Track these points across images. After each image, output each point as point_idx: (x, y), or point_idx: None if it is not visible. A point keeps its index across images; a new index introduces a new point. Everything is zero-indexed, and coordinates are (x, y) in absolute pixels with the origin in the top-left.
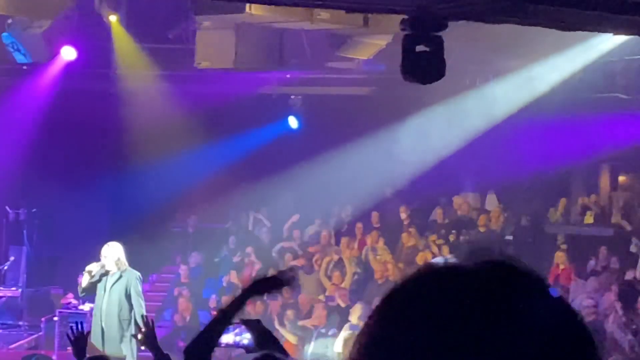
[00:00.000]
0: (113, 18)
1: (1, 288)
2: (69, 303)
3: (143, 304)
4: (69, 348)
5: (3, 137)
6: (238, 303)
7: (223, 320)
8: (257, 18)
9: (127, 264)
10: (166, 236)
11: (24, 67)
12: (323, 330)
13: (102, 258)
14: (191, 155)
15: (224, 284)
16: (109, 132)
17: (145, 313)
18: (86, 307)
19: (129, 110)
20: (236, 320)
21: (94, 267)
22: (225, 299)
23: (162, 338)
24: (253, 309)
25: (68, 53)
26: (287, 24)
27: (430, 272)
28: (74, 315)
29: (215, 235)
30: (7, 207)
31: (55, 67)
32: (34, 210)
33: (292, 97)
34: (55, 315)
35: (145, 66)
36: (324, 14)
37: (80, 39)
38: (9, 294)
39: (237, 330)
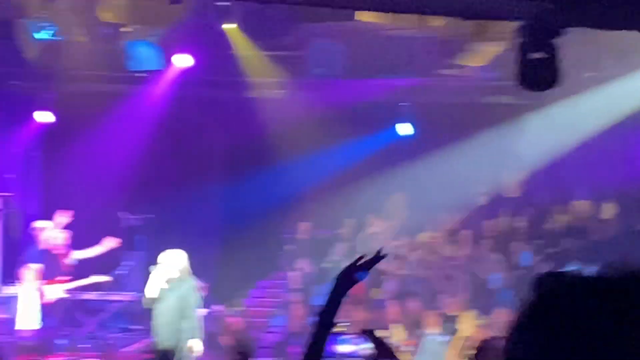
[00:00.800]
0: (230, 26)
1: (117, 293)
2: None
3: (195, 315)
4: None
5: (119, 144)
6: (334, 300)
7: (324, 322)
8: (367, 25)
9: (190, 272)
10: (278, 242)
11: (140, 75)
12: (435, 338)
13: (163, 265)
14: (303, 162)
15: None
16: (222, 140)
17: (197, 325)
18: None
19: (242, 118)
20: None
21: (157, 276)
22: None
23: (274, 344)
24: (368, 316)
25: (182, 60)
26: (397, 31)
27: (564, 283)
28: None
29: (326, 242)
30: (122, 213)
31: (170, 75)
32: (149, 216)
33: (403, 104)
34: None
35: (270, 73)
36: (435, 21)
37: (195, 47)
38: (126, 299)
39: (355, 340)
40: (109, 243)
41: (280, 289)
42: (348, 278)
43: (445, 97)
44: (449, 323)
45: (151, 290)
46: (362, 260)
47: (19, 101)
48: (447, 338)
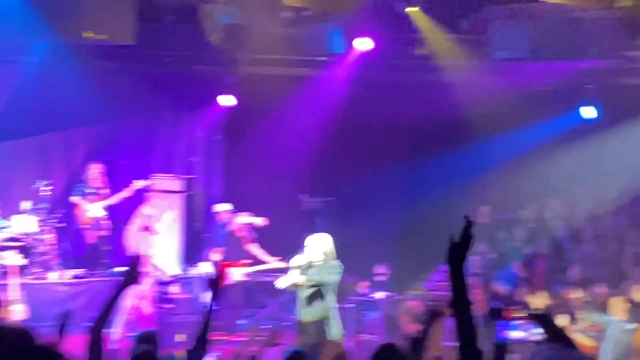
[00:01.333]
0: (413, 9)
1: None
2: (363, 291)
3: (334, 297)
4: (363, 334)
5: (300, 127)
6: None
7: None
8: (552, 7)
9: (334, 255)
10: (458, 226)
11: (321, 59)
12: (621, 325)
13: (306, 249)
14: (484, 146)
15: (514, 275)
16: (402, 123)
17: (335, 306)
18: (379, 295)
19: (422, 101)
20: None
21: (299, 260)
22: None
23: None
24: (549, 302)
25: (363, 44)
26: (583, 13)
27: None
28: (367, 302)
29: (507, 225)
30: (303, 196)
31: (351, 58)
32: (329, 199)
33: (588, 87)
34: (349, 303)
35: (454, 55)
36: (622, 1)
37: (376, 30)
38: None
39: (525, 326)
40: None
41: None
42: (458, 255)
43: (631, 79)
44: (636, 310)
45: (293, 274)
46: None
47: (203, 85)
48: (633, 326)
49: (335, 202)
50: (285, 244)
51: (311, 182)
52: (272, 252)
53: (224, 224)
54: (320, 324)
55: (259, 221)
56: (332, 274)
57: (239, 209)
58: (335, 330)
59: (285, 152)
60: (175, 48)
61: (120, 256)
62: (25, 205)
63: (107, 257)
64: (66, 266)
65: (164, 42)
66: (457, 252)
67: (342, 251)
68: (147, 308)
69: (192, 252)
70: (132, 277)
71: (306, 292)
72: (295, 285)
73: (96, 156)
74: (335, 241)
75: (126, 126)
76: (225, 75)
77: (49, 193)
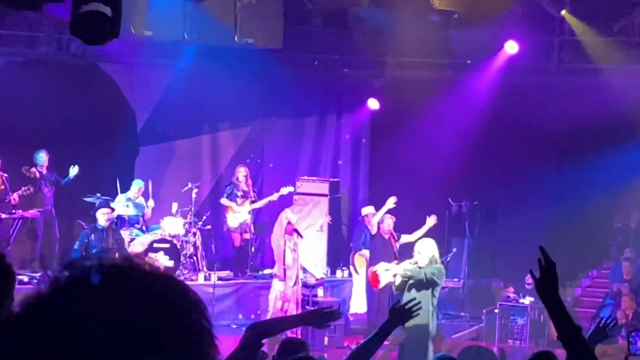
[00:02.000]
0: (563, 12)
1: (444, 279)
2: (509, 296)
3: (437, 295)
4: (510, 340)
5: (447, 131)
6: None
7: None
8: None
9: (438, 260)
10: (608, 231)
11: (468, 62)
12: None
13: (415, 254)
14: (634, 150)
15: None
16: (551, 126)
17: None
18: (526, 300)
19: (573, 104)
20: None
21: (405, 266)
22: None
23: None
24: None
25: (511, 47)
26: None
27: None
28: (514, 308)
29: None
30: (449, 200)
31: (499, 61)
32: (475, 203)
33: None
34: (496, 308)
35: (608, 57)
36: None
37: (524, 33)
38: (452, 285)
39: None
40: (430, 222)
41: (609, 279)
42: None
43: None
44: None
45: (399, 278)
46: None
47: (350, 88)
48: None
49: (482, 206)
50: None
51: (458, 186)
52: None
53: (370, 226)
54: (421, 327)
55: (390, 204)
56: (428, 273)
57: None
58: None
59: (431, 155)
60: (323, 52)
61: (266, 259)
62: (174, 207)
63: (253, 259)
64: (212, 268)
65: (312, 45)
66: (545, 287)
67: (488, 255)
68: (294, 311)
69: (337, 255)
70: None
71: (407, 296)
72: (401, 288)
73: (243, 159)
74: (482, 245)
75: (273, 129)
76: (372, 79)
77: (196, 196)
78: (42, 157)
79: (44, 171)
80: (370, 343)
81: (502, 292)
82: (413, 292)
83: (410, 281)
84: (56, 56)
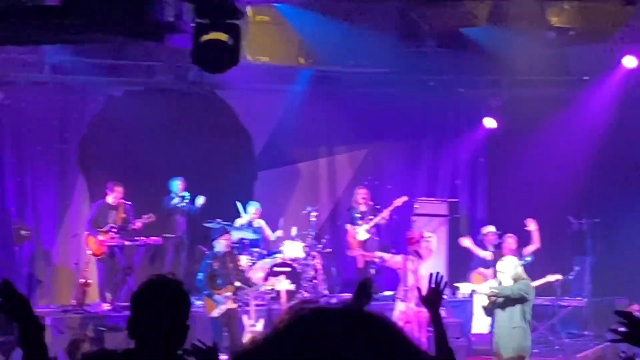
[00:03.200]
0: None
1: (566, 298)
2: (636, 314)
3: (529, 311)
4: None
5: (566, 148)
6: None
7: None
8: None
9: (524, 275)
10: None
11: (585, 78)
12: None
13: (498, 274)
14: None
15: None
16: None
17: (529, 318)
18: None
19: None
20: None
21: (491, 284)
22: None
23: None
24: None
25: (629, 62)
26: None
27: None
28: None
29: None
30: (570, 218)
31: (616, 77)
32: (596, 220)
33: None
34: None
35: None
36: None
37: None
38: (574, 304)
39: None
40: (531, 226)
41: None
42: None
43: None
44: None
45: (485, 298)
46: None
47: (466, 108)
48: None
49: (604, 223)
50: (553, 264)
51: (578, 203)
52: (540, 274)
53: (488, 245)
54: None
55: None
56: (515, 289)
57: (503, 230)
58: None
59: (550, 172)
60: (438, 72)
61: (386, 280)
62: (293, 231)
63: (375, 280)
64: (334, 291)
65: (427, 66)
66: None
67: (611, 273)
68: (417, 332)
69: (457, 275)
70: (366, 298)
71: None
72: (490, 309)
73: (361, 181)
74: (606, 263)
75: (390, 150)
76: (488, 98)
77: (315, 219)
78: (177, 185)
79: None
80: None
81: (627, 310)
82: (503, 310)
83: (499, 300)
84: (174, 84)
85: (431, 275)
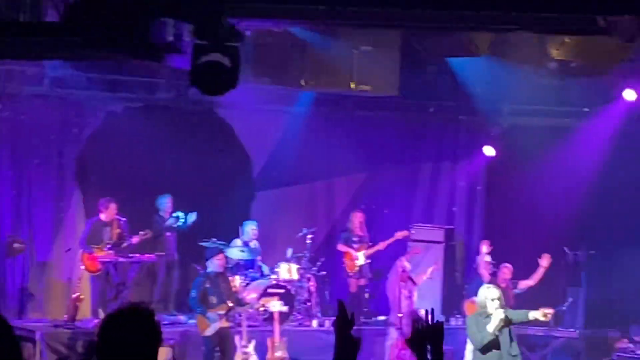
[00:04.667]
0: None
1: (559, 329)
2: (626, 347)
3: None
4: None
5: (564, 179)
6: None
7: None
8: None
9: (499, 305)
10: None
11: (585, 110)
12: None
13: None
14: None
15: None
16: None
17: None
18: None
19: None
20: None
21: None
22: None
23: None
24: None
25: (629, 95)
26: None
27: None
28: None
29: None
30: (565, 249)
31: (616, 110)
32: (592, 252)
33: None
34: (612, 359)
35: None
36: None
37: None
38: (567, 335)
39: None
40: (544, 262)
41: None
42: None
43: None
44: None
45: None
46: None
47: (465, 135)
48: None
49: (599, 255)
50: (549, 296)
51: (574, 234)
52: (534, 304)
53: (485, 274)
54: None
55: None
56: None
57: (499, 259)
58: None
59: (547, 203)
60: (438, 98)
61: (381, 305)
62: (289, 252)
63: (368, 305)
64: (327, 314)
65: (428, 92)
66: None
67: (602, 306)
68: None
69: (452, 303)
70: (346, 322)
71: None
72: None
73: (358, 205)
74: (599, 295)
75: (388, 175)
76: (488, 126)
77: (310, 241)
78: (165, 202)
79: (167, 216)
80: None
81: (617, 343)
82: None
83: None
84: (174, 102)
85: (426, 312)
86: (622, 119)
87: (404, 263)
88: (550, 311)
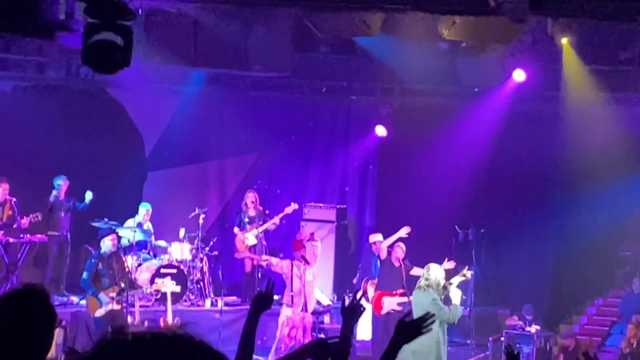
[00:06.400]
0: (564, 40)
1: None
2: (515, 324)
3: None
4: None
5: (455, 159)
6: None
7: None
8: None
9: (437, 284)
10: (614, 260)
11: (475, 90)
12: None
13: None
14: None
15: None
16: (557, 155)
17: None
18: (532, 328)
19: (574, 133)
20: None
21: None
22: None
23: None
24: None
25: (519, 75)
26: None
27: None
28: (520, 336)
29: None
30: (456, 227)
31: (506, 90)
32: (482, 230)
33: None
34: (502, 336)
35: (592, 89)
36: None
37: (531, 62)
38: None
39: None
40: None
41: (616, 307)
42: None
43: None
44: None
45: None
46: None
47: (358, 115)
48: None
49: (489, 234)
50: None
51: (465, 213)
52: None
53: (379, 253)
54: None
55: (403, 233)
56: (432, 303)
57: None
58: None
59: (438, 182)
60: (330, 78)
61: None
62: (181, 233)
63: (260, 285)
64: (219, 294)
65: (320, 72)
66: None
67: (494, 283)
68: (302, 337)
69: (343, 282)
70: (266, 302)
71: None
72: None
73: (251, 185)
74: (489, 273)
75: (281, 155)
76: (380, 106)
77: (202, 221)
78: (60, 183)
79: (61, 196)
80: None
81: (507, 320)
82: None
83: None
84: (65, 81)
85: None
86: (511, 99)
87: (297, 241)
88: (468, 272)
